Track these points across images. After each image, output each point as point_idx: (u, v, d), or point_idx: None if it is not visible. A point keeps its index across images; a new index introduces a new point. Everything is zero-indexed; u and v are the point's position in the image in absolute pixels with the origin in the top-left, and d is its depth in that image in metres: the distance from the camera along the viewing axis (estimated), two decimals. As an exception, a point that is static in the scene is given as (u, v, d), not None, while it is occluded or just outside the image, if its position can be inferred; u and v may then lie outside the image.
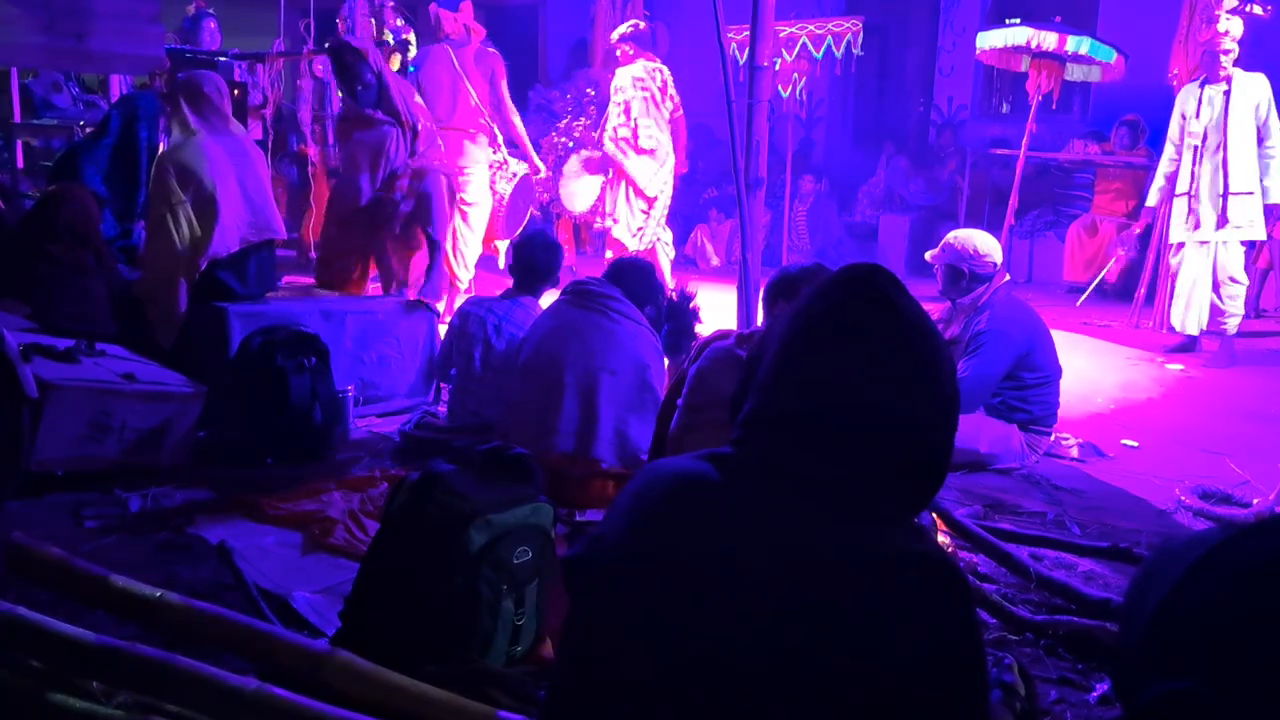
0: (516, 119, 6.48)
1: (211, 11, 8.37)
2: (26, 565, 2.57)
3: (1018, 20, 8.23)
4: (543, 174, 6.94)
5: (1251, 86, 6.25)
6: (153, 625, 2.37)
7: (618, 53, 7.49)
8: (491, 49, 6.47)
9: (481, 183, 6.40)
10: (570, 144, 8.71)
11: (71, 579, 2.52)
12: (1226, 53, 6.24)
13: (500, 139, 6.63)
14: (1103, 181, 9.18)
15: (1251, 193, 6.29)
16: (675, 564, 1.15)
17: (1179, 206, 6.47)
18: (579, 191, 8.24)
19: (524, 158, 6.85)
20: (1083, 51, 7.10)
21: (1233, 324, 6.42)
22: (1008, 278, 4.58)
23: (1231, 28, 6.27)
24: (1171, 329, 6.66)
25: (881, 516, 1.13)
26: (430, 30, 6.61)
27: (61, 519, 3.41)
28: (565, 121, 9.04)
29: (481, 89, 6.29)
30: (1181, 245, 6.48)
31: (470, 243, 6.39)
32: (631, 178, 7.32)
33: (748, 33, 4.61)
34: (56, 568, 2.54)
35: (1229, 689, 0.97)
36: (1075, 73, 7.68)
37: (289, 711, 1.98)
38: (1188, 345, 6.65)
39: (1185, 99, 6.47)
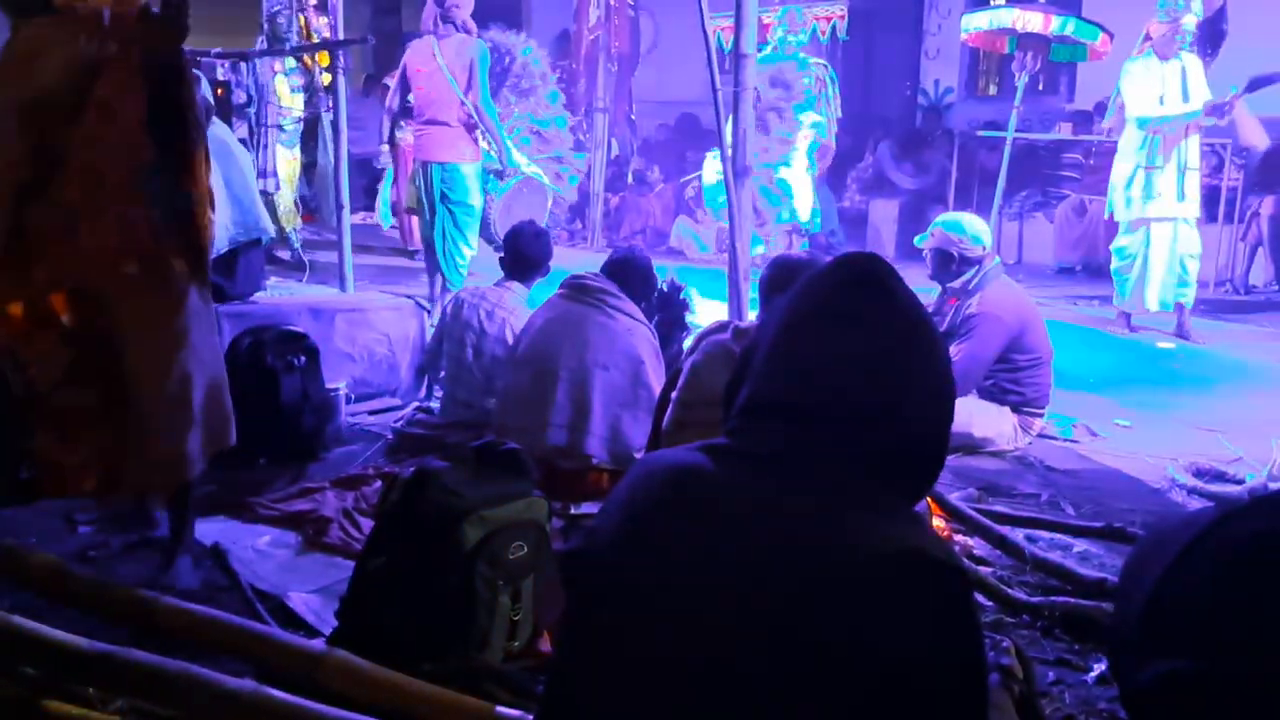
0: (486, 109, 6.12)
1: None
2: (18, 571, 2.56)
3: (1002, 1, 8.21)
4: (524, 170, 6.49)
5: (1195, 63, 6.40)
6: (148, 629, 2.36)
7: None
8: (475, 38, 6.28)
9: (468, 181, 6.16)
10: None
11: (64, 584, 2.51)
12: (1184, 36, 6.40)
13: (483, 134, 6.30)
14: (1091, 161, 9.20)
15: (1196, 169, 6.45)
16: (672, 556, 1.14)
17: (1140, 180, 6.46)
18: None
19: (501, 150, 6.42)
20: (1068, 32, 7.09)
21: (1190, 296, 6.54)
22: (998, 260, 4.57)
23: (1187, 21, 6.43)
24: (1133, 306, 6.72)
25: (879, 505, 1.12)
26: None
27: (53, 523, 3.39)
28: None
29: (460, 80, 6.09)
30: (1141, 221, 6.48)
31: (460, 244, 6.16)
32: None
33: (732, 20, 4.59)
34: (49, 573, 2.53)
35: (1225, 669, 0.97)
36: (1061, 53, 7.67)
37: (287, 713, 1.97)
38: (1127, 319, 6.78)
39: (1145, 73, 6.42)
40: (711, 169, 8.21)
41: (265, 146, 7.50)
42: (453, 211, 6.11)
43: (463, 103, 6.03)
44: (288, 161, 7.65)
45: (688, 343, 3.81)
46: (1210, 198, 7.84)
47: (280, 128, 7.51)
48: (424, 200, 6.22)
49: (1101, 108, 9.20)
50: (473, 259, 6.26)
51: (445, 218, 6.11)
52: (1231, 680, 0.97)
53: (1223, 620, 0.99)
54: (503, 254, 4.49)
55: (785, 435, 1.16)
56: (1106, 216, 6.77)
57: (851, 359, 1.15)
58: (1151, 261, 6.46)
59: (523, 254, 4.39)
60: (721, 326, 3.27)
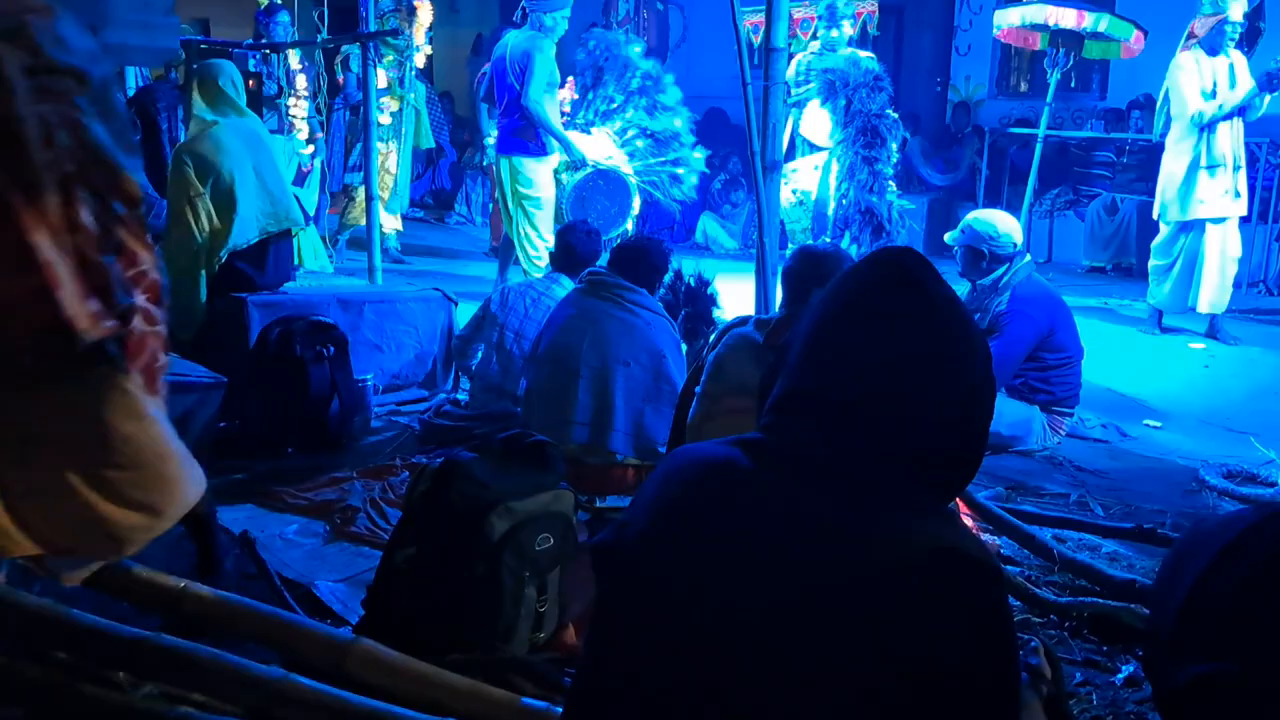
0: (531, 106, 6.06)
1: (284, 5, 8.12)
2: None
3: (1035, -3, 8.13)
4: (599, 164, 6.26)
5: (1241, 60, 6.27)
6: (177, 616, 2.38)
7: None
8: (541, 33, 6.23)
9: (535, 175, 6.20)
10: None
11: (96, 571, 2.53)
12: (1234, 29, 6.24)
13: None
14: (1123, 160, 9.11)
15: (1243, 167, 6.31)
16: (704, 551, 1.14)
17: (1212, 179, 6.23)
18: None
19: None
20: (1101, 29, 7.02)
21: (1225, 300, 6.39)
22: (1028, 258, 4.54)
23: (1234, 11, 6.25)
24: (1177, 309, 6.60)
25: (913, 504, 1.11)
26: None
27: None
28: None
29: (517, 77, 6.11)
30: (1195, 221, 6.30)
31: (532, 235, 6.23)
32: None
33: (762, 14, 4.57)
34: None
35: (1261, 670, 0.96)
36: (1094, 50, 7.58)
37: (314, 701, 1.99)
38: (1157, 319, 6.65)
39: (1196, 67, 6.24)
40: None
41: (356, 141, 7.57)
42: (523, 205, 6.22)
43: (519, 99, 6.07)
44: (383, 154, 7.63)
45: (712, 338, 3.80)
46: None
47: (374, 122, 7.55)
48: (500, 194, 6.40)
49: (1135, 105, 9.12)
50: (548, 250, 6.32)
51: (517, 211, 6.24)
52: (1267, 682, 0.96)
53: (1259, 622, 0.98)
54: (552, 251, 4.54)
55: (820, 432, 1.15)
56: (1155, 216, 6.59)
57: (887, 356, 1.15)
58: (1206, 262, 6.27)
59: (572, 250, 4.42)
60: (742, 321, 3.27)
